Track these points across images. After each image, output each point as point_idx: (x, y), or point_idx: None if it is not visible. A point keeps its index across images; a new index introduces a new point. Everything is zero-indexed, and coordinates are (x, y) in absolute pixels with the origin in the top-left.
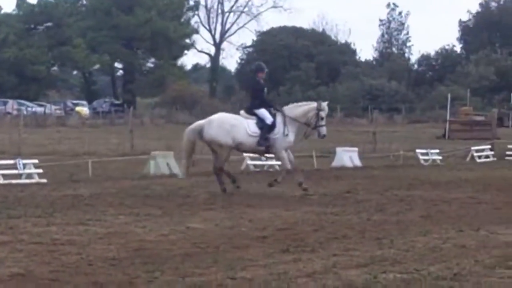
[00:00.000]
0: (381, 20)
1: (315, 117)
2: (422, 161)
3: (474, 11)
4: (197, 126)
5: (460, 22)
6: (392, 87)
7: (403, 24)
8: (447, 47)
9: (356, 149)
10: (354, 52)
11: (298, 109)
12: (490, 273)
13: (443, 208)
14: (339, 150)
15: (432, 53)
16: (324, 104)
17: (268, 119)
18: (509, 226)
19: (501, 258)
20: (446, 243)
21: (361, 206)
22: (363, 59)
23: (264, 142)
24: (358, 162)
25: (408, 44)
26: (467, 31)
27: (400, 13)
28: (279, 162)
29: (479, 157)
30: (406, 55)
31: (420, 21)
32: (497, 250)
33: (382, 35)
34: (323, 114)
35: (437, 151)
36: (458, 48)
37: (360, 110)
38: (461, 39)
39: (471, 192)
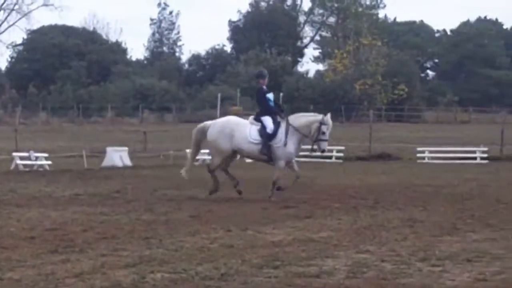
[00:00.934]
0: (152, 19)
1: (317, 131)
2: None
3: (244, 11)
4: (204, 126)
5: (230, 22)
6: (163, 86)
7: (173, 23)
8: (217, 47)
9: (126, 148)
10: (125, 51)
11: (302, 119)
12: (257, 272)
13: (212, 208)
14: (109, 149)
15: (203, 52)
16: (327, 118)
17: (269, 127)
18: (276, 226)
19: (268, 257)
20: (214, 243)
21: (130, 206)
22: (134, 58)
23: (265, 150)
24: (128, 162)
25: (179, 43)
26: (237, 31)
27: (171, 12)
28: (49, 162)
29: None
30: (177, 54)
31: (190, 20)
32: (264, 250)
33: (153, 34)
34: (325, 128)
35: (207, 151)
36: (228, 48)
37: (131, 109)
38: (231, 39)
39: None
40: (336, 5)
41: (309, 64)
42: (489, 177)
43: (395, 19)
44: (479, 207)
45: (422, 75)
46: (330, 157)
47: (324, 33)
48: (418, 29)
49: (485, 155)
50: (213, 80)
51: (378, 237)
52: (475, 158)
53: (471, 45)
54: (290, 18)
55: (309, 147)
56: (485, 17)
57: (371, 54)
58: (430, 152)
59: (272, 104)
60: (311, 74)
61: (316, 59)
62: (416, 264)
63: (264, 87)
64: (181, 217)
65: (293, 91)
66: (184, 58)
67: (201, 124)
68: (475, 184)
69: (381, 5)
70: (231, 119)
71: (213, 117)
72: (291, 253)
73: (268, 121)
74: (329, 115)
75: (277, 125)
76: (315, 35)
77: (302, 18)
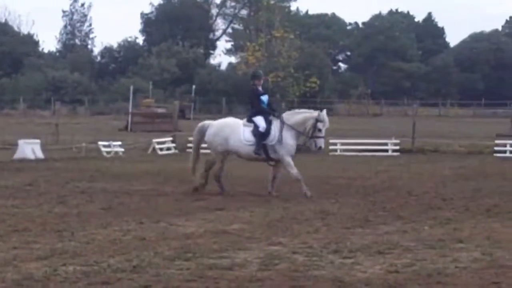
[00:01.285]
0: (64, 11)
1: (312, 127)
2: (104, 153)
3: (156, 3)
4: (203, 125)
5: (142, 14)
6: (75, 78)
7: (85, 15)
8: (129, 39)
9: (38, 141)
10: (37, 43)
11: (296, 116)
12: (169, 264)
13: (125, 200)
14: (21, 142)
15: (115, 45)
16: (323, 115)
17: (261, 126)
18: (189, 218)
19: (180, 249)
20: (127, 235)
21: (42, 198)
22: (46, 51)
23: (260, 150)
24: (40, 154)
25: (91, 35)
26: (149, 24)
27: (82, 4)
28: None
29: (161, 149)
30: (89, 46)
31: (102, 12)
32: (177, 242)
33: (65, 27)
34: (321, 125)
35: (119, 143)
36: (140, 40)
37: (43, 102)
38: (144, 31)
39: (152, 184)
40: None
41: (222, 57)
42: (400, 170)
43: (307, 11)
44: (390, 200)
45: (334, 67)
46: None
47: (236, 26)
48: (330, 22)
49: (397, 148)
50: (126, 72)
51: (290, 229)
52: (386, 151)
53: (382, 38)
54: (202, 11)
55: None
56: (397, 10)
57: (283, 46)
58: (342, 144)
59: (264, 105)
60: (223, 66)
61: (229, 52)
62: (328, 256)
63: (260, 88)
64: (93, 209)
65: (205, 84)
66: (96, 50)
67: (200, 124)
68: (387, 177)
69: None
70: (228, 121)
71: (125, 109)
72: (203, 245)
73: (260, 120)
74: (324, 112)
75: (269, 123)
76: (227, 27)
77: (214, 11)
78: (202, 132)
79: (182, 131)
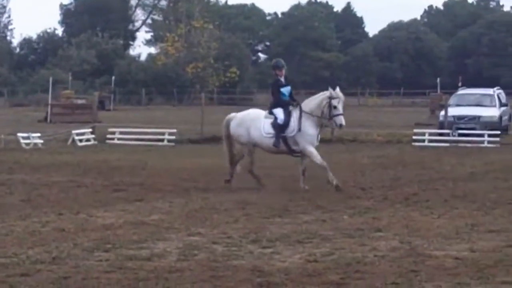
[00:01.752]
0: None
1: (328, 107)
2: (23, 145)
3: None
4: (228, 118)
5: (62, 5)
6: None
7: (4, 7)
8: (49, 30)
9: None
10: None
11: (312, 102)
12: (88, 256)
13: (44, 191)
14: None
15: (34, 36)
16: (336, 92)
17: (280, 118)
18: (108, 209)
19: (100, 241)
20: (46, 227)
21: None
22: None
23: (278, 143)
24: None
25: (10, 27)
26: (68, 15)
27: None
28: None
29: (80, 140)
30: (8, 38)
31: (21, 4)
32: (96, 233)
33: None
34: (335, 102)
35: (39, 134)
36: (60, 31)
37: None
38: (63, 22)
39: (72, 175)
40: None
41: (141, 48)
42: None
43: (226, 2)
44: (310, 189)
45: (254, 58)
46: (162, 140)
47: (155, 17)
48: (249, 12)
49: None
50: (45, 63)
51: (210, 219)
52: None
53: (302, 28)
54: (122, 2)
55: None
56: (316, 0)
57: (203, 37)
58: None
59: (285, 97)
60: (143, 57)
61: (148, 43)
62: (247, 246)
63: (282, 78)
64: (12, 201)
65: (125, 75)
66: (16, 41)
67: (227, 117)
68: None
69: None
70: (251, 113)
71: (44, 101)
72: (122, 236)
73: (279, 112)
74: (337, 88)
75: (288, 115)
76: (146, 18)
77: (133, 2)
78: (228, 124)
79: (102, 122)
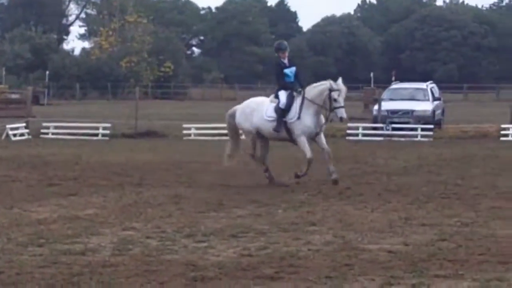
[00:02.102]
0: None
1: (329, 99)
2: None
3: None
4: (232, 110)
5: None
6: None
7: None
8: None
9: None
10: None
11: (314, 89)
12: (22, 250)
13: None
14: None
15: None
16: (337, 84)
17: (281, 102)
18: (42, 204)
19: (33, 235)
20: None
21: None
22: None
23: (279, 127)
24: None
25: None
26: (2, 9)
27: None
28: None
29: (14, 135)
30: None
31: None
32: (30, 228)
33: None
34: (335, 95)
35: None
36: None
37: None
38: None
39: (6, 170)
40: None
41: (75, 42)
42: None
43: None
44: (244, 183)
45: (188, 52)
46: (97, 135)
47: (89, 11)
48: (183, 7)
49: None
50: None
51: (144, 214)
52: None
53: (236, 23)
54: None
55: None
56: None
57: (137, 31)
58: (196, 129)
59: (290, 79)
60: (77, 51)
61: (82, 37)
62: (181, 240)
63: (285, 60)
64: None
65: (59, 69)
66: None
67: (231, 109)
68: (241, 161)
69: None
70: (253, 99)
71: None
72: (56, 230)
73: (282, 96)
74: (339, 80)
75: (290, 99)
76: (80, 12)
77: None
78: (232, 116)
79: (36, 116)
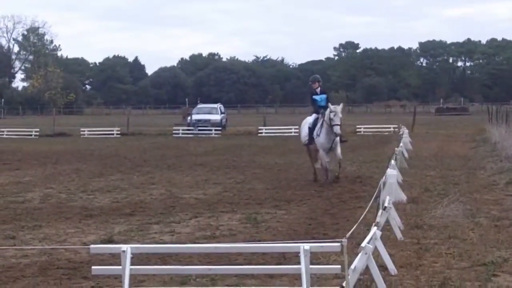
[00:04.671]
0: None
1: (329, 118)
2: None
3: None
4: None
5: None
6: None
7: None
8: None
9: None
10: None
11: (326, 112)
12: None
13: None
14: None
15: None
16: (335, 107)
17: (309, 122)
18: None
19: None
20: None
21: None
22: None
23: (310, 142)
24: None
25: None
26: None
27: None
28: None
29: None
30: None
31: None
32: None
33: None
34: (332, 115)
35: None
36: None
37: None
38: None
39: None
40: None
41: (18, 82)
42: (120, 145)
43: (67, 56)
44: (116, 161)
45: (84, 88)
46: (31, 135)
47: (26, 65)
48: (80, 61)
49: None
50: None
51: (58, 179)
52: (112, 134)
53: (111, 71)
54: (6, 56)
55: None
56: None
57: (54, 76)
58: (89, 130)
59: (320, 103)
60: (20, 88)
61: (22, 80)
62: (79, 194)
63: (317, 90)
64: None
65: (9, 97)
66: None
67: None
68: (114, 149)
69: None
70: (306, 119)
71: None
72: (7, 190)
73: (311, 117)
74: (339, 106)
75: (316, 120)
76: (20, 66)
77: (14, 56)
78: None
79: None
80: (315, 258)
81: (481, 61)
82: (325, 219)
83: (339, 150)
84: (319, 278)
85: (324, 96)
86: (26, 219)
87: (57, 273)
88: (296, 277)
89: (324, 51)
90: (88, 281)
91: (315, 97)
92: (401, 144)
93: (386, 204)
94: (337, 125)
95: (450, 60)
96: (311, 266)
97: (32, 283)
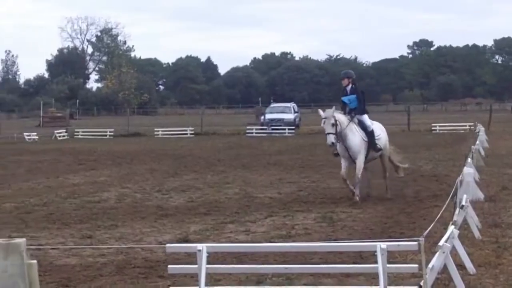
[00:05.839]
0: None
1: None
2: (27, 139)
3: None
4: None
5: (47, 60)
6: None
7: (14, 61)
8: (40, 74)
9: None
10: None
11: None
12: (64, 201)
13: (38, 166)
14: None
15: (32, 77)
16: (323, 114)
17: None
18: (75, 174)
19: (70, 192)
20: (40, 185)
21: None
22: None
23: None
24: None
25: (18, 72)
26: (51, 65)
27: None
28: None
29: (59, 136)
30: (17, 79)
31: (24, 59)
32: (68, 188)
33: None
34: (322, 123)
35: (35, 133)
36: (46, 74)
37: None
38: (48, 69)
39: (54, 156)
40: None
41: (92, 83)
42: (194, 144)
43: (140, 57)
44: (190, 161)
45: (157, 88)
46: (106, 135)
47: (100, 66)
48: (154, 62)
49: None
50: (38, 93)
51: (133, 179)
52: (186, 133)
53: (183, 71)
54: (80, 57)
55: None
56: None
57: (127, 77)
58: (163, 131)
59: (349, 105)
60: (94, 88)
61: (97, 81)
62: (154, 193)
63: (347, 88)
64: (20, 171)
65: (84, 99)
66: (21, 81)
67: None
68: (187, 148)
69: None
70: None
71: (38, 114)
72: (83, 189)
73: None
74: (330, 109)
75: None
76: (95, 67)
77: (88, 57)
78: None
79: (71, 126)
80: (392, 257)
81: None
82: (401, 218)
83: (358, 163)
84: (396, 277)
85: (353, 96)
86: (103, 219)
87: (134, 272)
88: (373, 276)
89: (397, 49)
90: (164, 280)
91: (343, 98)
92: (477, 142)
93: (463, 203)
94: (329, 134)
95: None
96: (388, 265)
97: (109, 282)
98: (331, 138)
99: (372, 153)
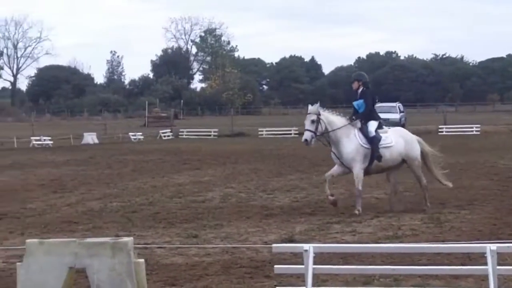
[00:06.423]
0: (107, 60)
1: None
2: (132, 139)
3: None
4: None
5: (152, 60)
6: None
7: (119, 62)
8: (144, 74)
9: (95, 133)
10: (92, 78)
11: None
12: (169, 201)
13: (144, 165)
14: (85, 134)
15: (136, 78)
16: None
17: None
18: (180, 174)
19: (175, 192)
20: (146, 185)
21: (98, 165)
22: (97, 82)
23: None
24: (96, 141)
25: (123, 73)
26: (156, 65)
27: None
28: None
29: (164, 136)
30: (122, 79)
31: (129, 59)
32: (173, 188)
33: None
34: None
35: (141, 133)
36: (151, 75)
37: (97, 111)
38: (153, 70)
39: (159, 156)
40: None
41: (197, 84)
42: (297, 145)
43: (244, 57)
44: (292, 161)
45: (260, 88)
46: (210, 135)
47: (204, 66)
48: (257, 62)
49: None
50: (143, 93)
51: (237, 179)
52: (290, 134)
53: (287, 71)
54: (184, 58)
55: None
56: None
57: (231, 77)
58: (267, 131)
59: (356, 110)
60: (198, 89)
61: (201, 81)
62: (259, 193)
63: (358, 91)
64: (126, 171)
65: (188, 99)
66: (126, 81)
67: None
68: (291, 148)
69: None
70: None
71: (143, 114)
72: (188, 189)
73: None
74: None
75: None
76: (199, 68)
77: (192, 58)
78: None
79: (176, 126)
80: (502, 259)
81: None
82: (510, 219)
83: (355, 172)
84: (506, 280)
85: (361, 101)
86: (208, 218)
87: (240, 272)
88: (482, 278)
89: (504, 47)
90: (270, 280)
91: (354, 102)
92: None
93: None
94: (306, 130)
95: None
96: (498, 267)
97: (215, 281)
98: (307, 135)
99: (376, 162)
